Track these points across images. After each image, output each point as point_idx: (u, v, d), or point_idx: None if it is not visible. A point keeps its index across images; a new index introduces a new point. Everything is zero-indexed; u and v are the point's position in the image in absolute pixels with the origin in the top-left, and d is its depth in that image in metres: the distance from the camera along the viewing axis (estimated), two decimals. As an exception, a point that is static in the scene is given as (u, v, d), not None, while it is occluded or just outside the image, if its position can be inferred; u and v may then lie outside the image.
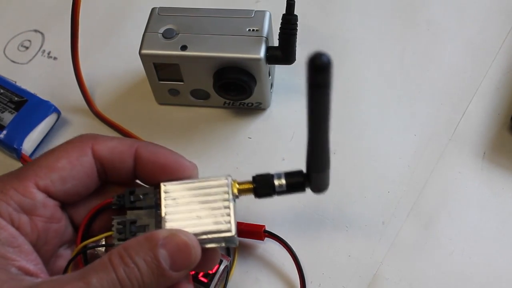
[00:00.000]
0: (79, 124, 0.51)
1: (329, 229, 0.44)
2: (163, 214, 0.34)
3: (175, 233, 0.32)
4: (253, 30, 0.45)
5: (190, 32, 0.45)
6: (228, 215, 0.33)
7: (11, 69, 0.54)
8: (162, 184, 0.34)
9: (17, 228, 0.32)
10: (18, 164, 0.48)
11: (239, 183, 0.35)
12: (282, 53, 0.45)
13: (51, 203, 0.34)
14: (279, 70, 0.51)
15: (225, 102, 0.49)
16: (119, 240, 0.34)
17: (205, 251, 0.34)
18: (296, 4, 0.43)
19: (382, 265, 0.42)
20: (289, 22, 0.44)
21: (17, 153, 0.47)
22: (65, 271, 0.34)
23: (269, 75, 0.47)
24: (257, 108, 0.49)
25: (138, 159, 0.35)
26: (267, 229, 0.43)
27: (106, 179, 0.36)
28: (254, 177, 0.35)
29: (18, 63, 0.55)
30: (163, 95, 0.49)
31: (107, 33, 0.56)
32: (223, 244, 0.34)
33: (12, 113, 0.48)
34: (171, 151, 0.36)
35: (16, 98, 0.48)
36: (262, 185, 0.35)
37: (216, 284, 0.41)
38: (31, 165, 0.34)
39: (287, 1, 0.43)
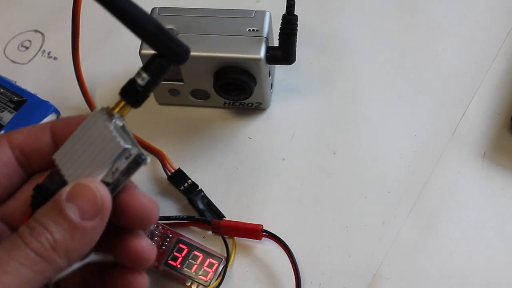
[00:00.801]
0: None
1: (329, 229, 0.44)
2: (65, 179, 0.32)
3: (75, 183, 0.30)
4: (253, 30, 0.45)
5: (190, 32, 0.45)
6: (112, 137, 0.31)
7: (11, 69, 0.54)
8: (53, 157, 0.33)
9: None
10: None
11: (112, 108, 0.33)
12: (282, 53, 0.45)
13: None
14: (279, 70, 0.51)
15: (225, 102, 0.49)
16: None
17: (129, 194, 0.32)
18: (296, 4, 0.43)
19: (382, 265, 0.42)
20: (289, 22, 0.44)
21: None
22: None
23: (269, 75, 0.47)
24: (257, 108, 0.49)
25: (54, 133, 0.34)
26: (266, 229, 0.43)
27: (31, 169, 0.35)
28: (119, 93, 0.32)
29: (18, 63, 0.55)
30: (163, 95, 0.49)
31: (107, 33, 0.56)
32: (134, 168, 0.31)
33: (11, 113, 0.48)
34: (82, 115, 0.35)
35: (15, 98, 0.48)
36: (130, 93, 0.32)
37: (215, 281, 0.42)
38: None
39: (287, 1, 0.43)
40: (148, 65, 0.32)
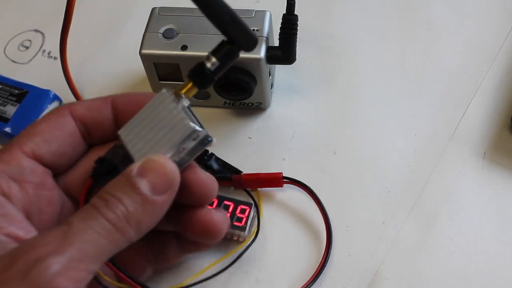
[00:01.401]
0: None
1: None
2: (131, 155, 0.33)
3: (145, 159, 0.31)
4: (253, 30, 0.45)
5: (190, 32, 0.45)
6: (182, 118, 0.32)
7: (11, 69, 0.54)
8: (118, 133, 0.34)
9: (7, 196, 0.32)
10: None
11: (179, 89, 0.34)
12: (283, 53, 0.45)
13: (40, 169, 0.33)
14: (279, 70, 0.51)
15: (225, 102, 0.49)
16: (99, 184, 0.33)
17: (191, 172, 0.33)
18: (296, 4, 0.43)
19: (382, 265, 0.42)
20: (289, 22, 0.44)
21: None
22: None
23: (270, 75, 0.47)
24: (257, 108, 0.49)
25: (115, 107, 0.35)
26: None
27: (91, 141, 0.36)
28: (188, 75, 0.34)
29: (18, 63, 0.55)
30: (163, 95, 0.49)
31: (107, 33, 0.56)
32: (199, 148, 0.33)
33: (14, 105, 0.48)
34: (143, 92, 0.36)
35: (16, 91, 0.49)
36: (198, 75, 0.33)
37: (250, 226, 0.43)
38: (14, 138, 0.34)
39: (287, 1, 0.43)
40: (218, 50, 0.33)
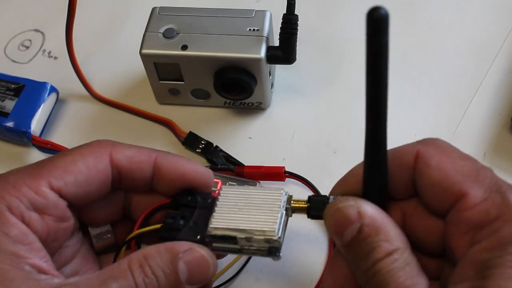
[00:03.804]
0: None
1: (329, 229, 0.44)
2: (214, 211, 0.34)
3: (194, 247, 0.32)
4: (253, 29, 0.45)
5: (190, 32, 0.45)
6: (275, 219, 0.33)
7: (11, 69, 0.54)
8: (222, 186, 0.36)
9: (28, 226, 0.32)
10: (28, 151, 0.49)
11: (294, 200, 0.35)
12: (283, 52, 0.45)
13: (62, 203, 0.34)
14: (280, 69, 0.51)
15: (225, 102, 0.49)
16: (163, 237, 0.34)
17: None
18: (296, 4, 0.43)
19: (382, 265, 0.42)
20: (289, 22, 0.44)
21: (27, 136, 0.47)
22: (115, 258, 0.36)
23: (270, 75, 0.47)
24: (258, 108, 0.49)
25: (157, 169, 0.35)
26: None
27: (119, 187, 0.36)
28: (309, 197, 0.34)
29: (18, 62, 0.55)
30: (163, 95, 0.49)
31: (107, 33, 0.56)
32: (265, 253, 0.33)
33: (13, 100, 0.48)
34: (189, 160, 0.36)
35: (13, 86, 0.49)
36: (316, 206, 0.34)
37: None
38: (45, 164, 0.34)
39: (287, 1, 0.43)
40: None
